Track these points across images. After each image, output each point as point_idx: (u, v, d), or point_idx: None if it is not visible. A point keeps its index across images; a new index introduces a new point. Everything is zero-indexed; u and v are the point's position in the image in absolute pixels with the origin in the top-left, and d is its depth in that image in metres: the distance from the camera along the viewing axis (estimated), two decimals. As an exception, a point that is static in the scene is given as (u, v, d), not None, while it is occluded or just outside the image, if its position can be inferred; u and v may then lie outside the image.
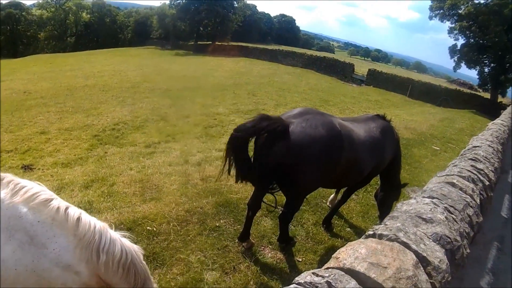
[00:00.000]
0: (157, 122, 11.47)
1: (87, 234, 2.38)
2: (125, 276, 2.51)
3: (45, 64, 39.09)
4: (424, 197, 2.72)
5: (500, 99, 40.19)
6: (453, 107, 31.48)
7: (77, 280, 2.40)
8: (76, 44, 75.97)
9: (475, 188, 3.19)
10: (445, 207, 2.54)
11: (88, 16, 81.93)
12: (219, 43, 63.71)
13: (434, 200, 2.60)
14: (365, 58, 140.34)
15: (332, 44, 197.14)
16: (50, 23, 79.08)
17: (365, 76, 40.54)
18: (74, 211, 2.44)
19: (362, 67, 44.29)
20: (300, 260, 4.90)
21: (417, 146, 11.91)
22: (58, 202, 2.43)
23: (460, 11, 38.11)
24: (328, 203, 6.38)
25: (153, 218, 5.33)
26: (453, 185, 3.06)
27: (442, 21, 40.93)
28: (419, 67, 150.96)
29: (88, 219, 2.46)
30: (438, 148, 12.58)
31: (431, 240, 2.02)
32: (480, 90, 44.09)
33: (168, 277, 4.22)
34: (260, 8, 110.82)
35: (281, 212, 4.84)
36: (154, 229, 5.10)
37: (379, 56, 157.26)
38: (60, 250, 2.34)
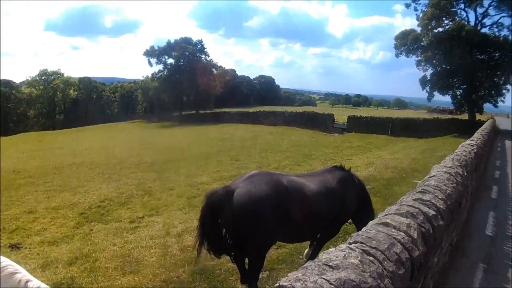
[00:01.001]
0: (141, 196, 11.83)
1: None
2: None
3: (34, 142, 39.58)
4: (349, 242, 2.73)
5: (478, 116, 41.38)
6: (434, 135, 31.81)
7: None
8: (65, 121, 77.02)
9: (412, 223, 3.18)
10: (364, 250, 2.50)
11: (76, 92, 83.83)
12: (203, 112, 65.44)
13: (353, 245, 2.58)
14: (346, 106, 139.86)
15: (313, 97, 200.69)
16: (39, 100, 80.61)
17: (346, 123, 40.89)
18: (34, 284, 2.87)
19: (343, 115, 44.64)
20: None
21: (398, 184, 11.92)
22: (21, 275, 2.95)
23: (422, 43, 40.07)
24: (304, 257, 6.09)
25: None
26: (386, 224, 3.05)
27: (408, 56, 43.06)
28: (399, 103, 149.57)
29: None
30: (419, 181, 12.50)
31: (333, 286, 2.02)
32: (458, 113, 45.54)
33: None
34: (239, 72, 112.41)
35: (242, 276, 4.97)
36: None
37: (360, 100, 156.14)
38: None
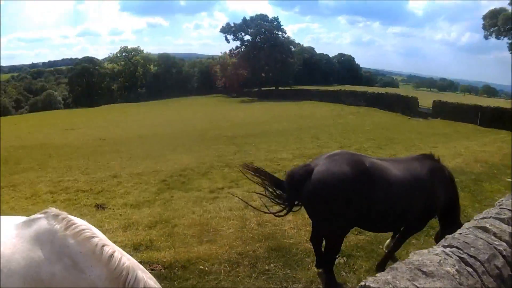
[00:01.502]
0: (222, 168, 11.62)
1: (117, 269, 2.74)
2: None
3: (119, 113, 41.56)
4: (444, 245, 2.45)
5: None
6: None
7: None
8: (147, 94, 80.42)
9: (516, 232, 2.77)
10: (461, 257, 2.24)
11: (155, 68, 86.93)
12: (282, 88, 64.81)
13: (449, 250, 2.31)
14: (431, 89, 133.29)
15: (396, 79, 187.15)
16: (121, 75, 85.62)
17: (431, 108, 37.56)
18: (109, 249, 2.81)
19: (427, 99, 41.48)
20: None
21: (488, 180, 10.75)
22: (98, 239, 2.86)
23: (515, 24, 34.59)
24: (384, 248, 5.82)
25: (206, 259, 5.50)
26: (485, 230, 2.72)
27: (498, 39, 38.37)
28: (489, 90, 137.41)
29: (119, 257, 2.81)
30: (512, 180, 11.23)
31: (426, 297, 1.68)
32: None
33: None
34: (317, 50, 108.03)
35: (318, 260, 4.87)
36: (206, 268, 5.25)
37: (445, 85, 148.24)
38: (95, 277, 2.76)
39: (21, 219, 3.26)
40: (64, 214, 3.02)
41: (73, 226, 2.90)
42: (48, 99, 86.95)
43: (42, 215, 3.07)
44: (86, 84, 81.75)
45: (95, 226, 7.36)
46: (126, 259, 2.85)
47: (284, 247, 5.73)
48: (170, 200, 8.90)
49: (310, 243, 4.97)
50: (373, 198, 4.25)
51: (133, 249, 6.22)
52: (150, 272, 4.88)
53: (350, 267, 5.41)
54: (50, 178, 12.59)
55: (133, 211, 8.34)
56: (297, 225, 6.54)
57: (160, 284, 4.93)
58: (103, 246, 2.82)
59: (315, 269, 5.09)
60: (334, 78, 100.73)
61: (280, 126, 21.74)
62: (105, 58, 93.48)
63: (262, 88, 68.89)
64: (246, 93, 66.27)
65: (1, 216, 3.51)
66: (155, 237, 6.55)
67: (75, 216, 8.00)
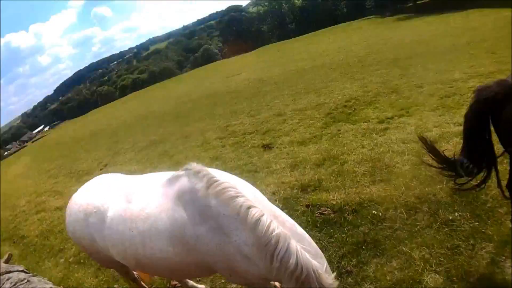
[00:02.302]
0: (388, 95, 10.72)
1: (264, 236, 2.48)
2: (299, 286, 2.49)
3: (273, 52, 42.31)
4: None
5: None
6: None
7: (257, 270, 2.67)
8: (297, 29, 79.79)
9: None
10: None
11: (300, 1, 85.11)
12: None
13: None
14: None
15: None
16: (269, 15, 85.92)
17: None
18: (255, 212, 2.55)
19: None
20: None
21: None
22: (243, 200, 2.62)
23: None
24: None
25: (380, 202, 5.00)
26: None
27: None
28: None
29: (268, 222, 2.53)
30: None
31: None
32: None
33: (385, 269, 3.86)
34: None
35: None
36: (380, 214, 4.77)
37: None
38: (241, 242, 2.62)
39: (168, 175, 3.25)
40: (205, 170, 2.91)
41: (215, 184, 2.76)
42: (206, 53, 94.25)
43: (184, 172, 3.05)
44: (237, 32, 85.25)
45: (263, 168, 7.55)
46: (278, 225, 2.57)
47: (471, 192, 4.60)
48: (337, 134, 8.53)
49: (506, 190, 3.63)
50: None
51: (301, 190, 6.10)
52: (318, 217, 5.19)
53: None
54: (218, 125, 13.47)
55: (300, 149, 8.25)
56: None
57: (329, 230, 4.69)
58: (248, 208, 2.59)
59: (509, 224, 3.98)
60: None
61: (447, 42, 19.00)
62: (248, 3, 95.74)
63: (418, 1, 62.17)
64: (400, 10, 60.43)
65: (150, 174, 3.63)
66: (324, 176, 6.33)
67: (246, 158, 8.29)
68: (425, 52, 16.28)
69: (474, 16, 27.59)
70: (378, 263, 3.97)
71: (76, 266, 7.10)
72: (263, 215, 2.55)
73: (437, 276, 3.60)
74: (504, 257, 3.65)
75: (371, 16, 59.11)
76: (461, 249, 3.87)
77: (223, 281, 4.66)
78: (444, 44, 18.38)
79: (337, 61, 20.03)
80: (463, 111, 3.69)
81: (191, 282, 4.60)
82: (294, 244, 2.48)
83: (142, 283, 4.65)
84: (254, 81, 22.68)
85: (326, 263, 2.62)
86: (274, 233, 2.47)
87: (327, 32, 49.90)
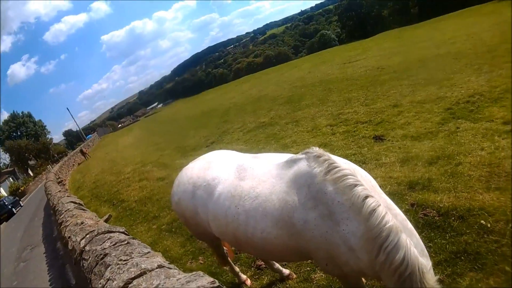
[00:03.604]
0: (519, 93, 9.58)
1: (376, 228, 2.43)
2: (399, 285, 2.42)
3: (394, 39, 40.40)
4: None
5: None
6: None
7: (356, 263, 2.64)
8: (421, 13, 74.74)
9: None
10: None
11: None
12: None
13: None
14: None
15: None
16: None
17: None
18: (372, 202, 2.50)
19: None
20: None
21: None
22: (361, 189, 2.58)
23: None
24: None
25: (491, 212, 4.58)
26: None
27: None
28: None
29: (383, 213, 2.46)
30: None
31: None
32: None
33: (480, 285, 3.57)
34: None
35: None
36: (488, 225, 4.37)
37: None
38: (349, 233, 2.59)
39: (286, 157, 3.29)
40: (326, 155, 2.90)
41: (335, 170, 2.74)
42: (323, 39, 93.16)
43: (304, 156, 3.06)
44: (356, 16, 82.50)
45: (372, 160, 7.47)
46: (392, 217, 2.51)
47: None
48: (455, 132, 7.99)
49: None
50: None
51: (408, 187, 5.92)
52: (422, 217, 4.97)
53: None
54: (330, 112, 13.44)
55: (413, 144, 7.96)
56: None
57: (430, 234, 4.56)
58: (366, 197, 2.54)
59: None
60: None
61: None
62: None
63: None
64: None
65: (267, 154, 3.69)
66: (435, 176, 6.04)
67: (355, 147, 8.30)
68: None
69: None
70: (474, 277, 3.71)
71: (166, 234, 7.70)
72: (379, 205, 2.51)
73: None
74: None
75: (510, -3, 52.85)
76: None
77: (308, 268, 4.71)
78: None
79: (463, 50, 18.43)
80: None
81: (277, 265, 4.70)
82: (404, 238, 2.42)
83: (229, 258, 4.80)
84: (372, 69, 21.98)
85: (431, 263, 2.51)
86: (387, 225, 2.43)
87: (455, 16, 45.71)
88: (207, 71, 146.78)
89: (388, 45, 34.69)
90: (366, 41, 53.35)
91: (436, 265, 3.95)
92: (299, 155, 3.10)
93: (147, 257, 2.97)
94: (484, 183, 5.40)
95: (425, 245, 4.29)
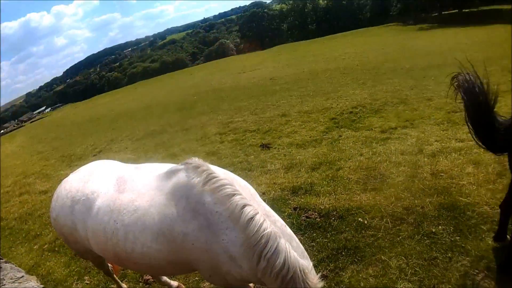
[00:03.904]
0: (396, 105, 10.56)
1: (255, 235, 2.43)
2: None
3: (289, 52, 42.32)
4: None
5: None
6: None
7: (239, 272, 2.60)
8: (317, 30, 79.45)
9: None
10: None
11: (325, 1, 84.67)
12: (467, 10, 56.48)
13: None
14: None
15: None
16: (291, 14, 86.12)
17: None
18: (250, 210, 2.49)
19: None
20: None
21: None
22: (239, 198, 2.55)
23: None
24: None
25: (368, 210, 5.08)
26: None
27: None
28: None
29: (260, 221, 2.47)
30: None
31: None
32: None
33: (360, 275, 3.92)
34: None
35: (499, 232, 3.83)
36: (365, 222, 4.85)
37: None
38: (229, 242, 2.55)
39: (167, 167, 3.13)
40: (205, 165, 2.80)
41: (213, 180, 2.66)
42: (221, 48, 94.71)
43: (183, 166, 2.94)
44: (256, 28, 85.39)
45: (258, 167, 7.45)
46: (270, 224, 2.51)
47: (458, 207, 4.74)
48: (337, 139, 8.48)
49: (498, 208, 3.89)
50: None
51: (292, 192, 6.13)
52: (304, 220, 5.24)
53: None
54: (220, 120, 13.45)
55: (298, 151, 8.23)
56: (477, 181, 5.29)
57: (312, 234, 4.95)
58: (244, 206, 2.52)
59: (490, 242, 4.01)
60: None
61: (465, 56, 18.70)
62: (273, 0, 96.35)
63: (443, 12, 61.02)
64: (424, 19, 59.26)
65: (149, 164, 3.47)
66: (317, 180, 6.38)
67: (242, 155, 8.16)
68: (441, 64, 15.97)
69: (499, 32, 26.99)
70: (355, 269, 4.02)
71: (49, 254, 6.96)
72: (257, 213, 2.49)
73: (410, 285, 3.65)
74: (477, 271, 3.69)
75: (393, 24, 58.72)
76: (438, 261, 3.90)
77: (197, 278, 4.61)
78: (462, 57, 17.95)
79: (351, 66, 19.91)
80: (467, 128, 3.63)
81: (164, 278, 4.51)
82: (283, 243, 2.43)
83: (115, 276, 4.55)
84: (265, 79, 22.62)
85: (311, 264, 2.58)
86: (265, 232, 2.41)
87: (346, 36, 49.67)
88: (101, 74, 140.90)
89: (283, 57, 36.16)
90: (263, 52, 55.19)
91: (319, 262, 4.25)
92: (179, 166, 2.97)
93: (20, 282, 2.85)
94: (361, 185, 5.88)
95: (308, 244, 4.48)
